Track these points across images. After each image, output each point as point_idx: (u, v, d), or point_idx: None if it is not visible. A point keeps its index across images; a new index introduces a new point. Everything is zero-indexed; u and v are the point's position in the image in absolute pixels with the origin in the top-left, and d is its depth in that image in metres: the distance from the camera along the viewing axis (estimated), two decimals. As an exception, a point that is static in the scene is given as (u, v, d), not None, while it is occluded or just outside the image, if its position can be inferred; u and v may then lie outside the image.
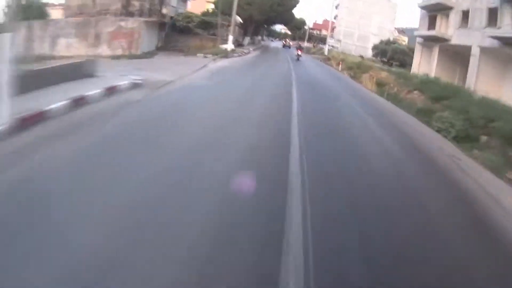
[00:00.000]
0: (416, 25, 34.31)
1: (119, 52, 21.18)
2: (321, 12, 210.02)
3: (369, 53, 58.98)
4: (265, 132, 6.75)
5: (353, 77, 23.34)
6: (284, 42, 63.11)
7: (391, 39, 65.12)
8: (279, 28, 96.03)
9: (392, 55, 50.15)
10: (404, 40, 65.11)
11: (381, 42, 56.86)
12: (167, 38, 26.76)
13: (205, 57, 21.53)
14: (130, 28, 21.85)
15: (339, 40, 67.66)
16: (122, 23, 22.03)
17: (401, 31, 74.53)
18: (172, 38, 26.69)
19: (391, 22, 69.00)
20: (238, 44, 37.20)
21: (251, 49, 37.97)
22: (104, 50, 21.22)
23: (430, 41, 28.68)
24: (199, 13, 33.54)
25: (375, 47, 56.38)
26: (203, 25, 30.66)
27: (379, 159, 6.32)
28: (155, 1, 25.52)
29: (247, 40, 47.11)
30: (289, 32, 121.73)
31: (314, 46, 70.47)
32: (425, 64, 29.17)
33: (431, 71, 26.15)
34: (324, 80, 19.31)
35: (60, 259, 2.58)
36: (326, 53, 50.97)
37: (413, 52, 34.67)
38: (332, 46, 62.77)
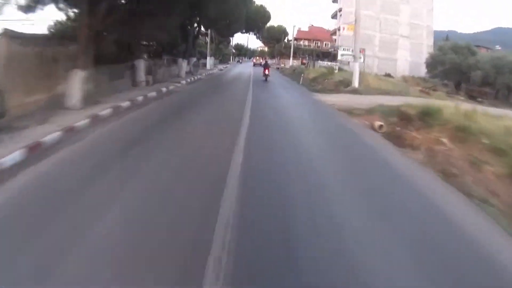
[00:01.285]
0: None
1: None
2: (307, 16, 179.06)
3: (402, 70, 31.90)
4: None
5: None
6: (254, 61, 52.01)
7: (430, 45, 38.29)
8: (256, 45, 69.42)
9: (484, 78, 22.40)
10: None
11: (441, 49, 29.27)
12: None
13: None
14: None
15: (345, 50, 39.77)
16: None
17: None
18: None
19: (428, 14, 42.04)
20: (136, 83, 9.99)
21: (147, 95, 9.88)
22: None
23: None
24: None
25: (432, 60, 28.74)
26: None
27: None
28: None
29: (183, 68, 18.96)
30: (265, 49, 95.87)
31: (305, 65, 42.81)
32: None
33: None
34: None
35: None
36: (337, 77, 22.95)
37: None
38: (339, 62, 35.53)
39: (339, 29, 40.39)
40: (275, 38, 60.53)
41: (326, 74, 23.85)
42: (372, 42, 39.82)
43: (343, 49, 35.52)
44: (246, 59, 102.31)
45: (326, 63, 37.58)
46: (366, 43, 39.24)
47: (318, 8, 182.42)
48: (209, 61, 31.88)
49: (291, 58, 47.58)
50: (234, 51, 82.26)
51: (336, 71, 25.07)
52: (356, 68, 17.82)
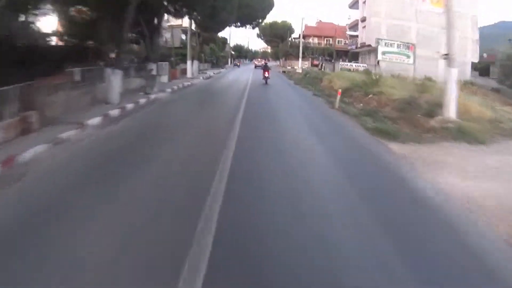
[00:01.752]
0: None
1: None
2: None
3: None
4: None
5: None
6: (256, 63, 45.14)
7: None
8: (259, 46, 60.94)
9: None
10: None
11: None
12: None
13: None
14: None
15: (388, 47, 31.12)
16: None
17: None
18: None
19: (472, 1, 32.85)
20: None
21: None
22: None
23: None
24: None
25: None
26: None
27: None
28: None
29: (113, 86, 10.20)
30: (268, 49, 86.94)
31: (319, 67, 33.92)
32: None
33: None
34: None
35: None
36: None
37: None
38: (380, 62, 26.77)
39: (363, 20, 31.31)
40: (279, 36, 51.57)
41: (367, 84, 14.78)
42: (407, 36, 30.61)
43: (386, 44, 26.62)
44: (247, 61, 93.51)
45: (349, 64, 28.49)
46: (399, 36, 30.15)
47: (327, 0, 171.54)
48: (191, 66, 22.99)
49: (300, 59, 38.56)
50: (233, 52, 73.52)
51: (375, 78, 15.97)
52: (451, 79, 8.76)
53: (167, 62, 19.41)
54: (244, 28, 28.44)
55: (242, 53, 76.21)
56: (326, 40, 50.34)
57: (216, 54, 42.33)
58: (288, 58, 48.56)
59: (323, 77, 22.60)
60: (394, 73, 27.44)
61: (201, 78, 23.00)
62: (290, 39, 52.58)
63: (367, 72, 19.75)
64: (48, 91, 7.42)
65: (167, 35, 23.71)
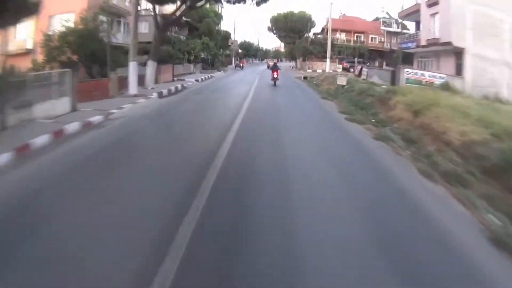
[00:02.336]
0: None
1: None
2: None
3: None
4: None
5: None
6: (270, 63, 35.93)
7: None
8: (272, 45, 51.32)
9: None
10: None
11: None
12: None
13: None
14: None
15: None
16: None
17: None
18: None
19: None
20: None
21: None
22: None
23: None
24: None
25: None
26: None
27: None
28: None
29: None
30: (281, 48, 75.94)
31: (357, 72, 23.06)
32: None
33: None
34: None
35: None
36: None
37: None
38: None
39: (432, 4, 20.04)
40: (296, 31, 40.54)
41: None
42: (497, 32, 19.30)
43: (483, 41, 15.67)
44: (258, 61, 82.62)
45: (421, 73, 17.47)
46: (489, 33, 18.93)
47: None
48: (135, 73, 12.26)
49: (328, 61, 27.57)
50: (240, 50, 62.82)
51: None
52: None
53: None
54: (242, 3, 17.56)
55: (250, 52, 65.48)
56: (357, 37, 39.21)
57: (213, 52, 31.73)
58: (309, 58, 37.62)
59: (386, 97, 11.69)
60: (486, 90, 16.61)
61: (154, 95, 12.30)
62: (310, 34, 41.56)
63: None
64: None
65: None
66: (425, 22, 21.73)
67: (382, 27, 42.57)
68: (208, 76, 23.16)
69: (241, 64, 37.27)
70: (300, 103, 12.10)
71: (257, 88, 16.40)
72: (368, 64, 31.77)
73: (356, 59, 32.35)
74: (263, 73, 30.29)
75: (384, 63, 37.42)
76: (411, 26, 33.78)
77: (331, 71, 27.30)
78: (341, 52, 36.07)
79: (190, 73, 23.86)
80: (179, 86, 15.11)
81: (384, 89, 13.02)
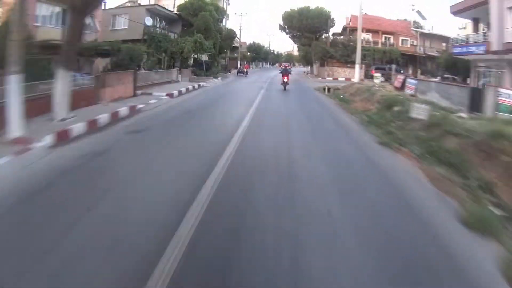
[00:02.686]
0: None
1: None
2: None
3: None
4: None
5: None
6: (282, 67, 23.67)
7: None
8: (284, 49, 47.46)
9: None
10: None
11: None
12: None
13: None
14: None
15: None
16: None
17: None
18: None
19: None
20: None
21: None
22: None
23: None
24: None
25: None
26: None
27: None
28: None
29: None
30: (294, 50, 69.50)
31: (398, 84, 16.59)
32: None
33: None
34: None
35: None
36: None
37: None
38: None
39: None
40: (312, 30, 34.19)
41: None
42: None
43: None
44: (268, 65, 76.42)
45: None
46: None
47: None
48: (14, 95, 6.33)
49: (357, 67, 21.19)
50: (249, 53, 56.84)
51: None
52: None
53: None
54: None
55: (260, 55, 59.39)
56: (385, 38, 32.66)
57: (210, 53, 25.79)
58: (328, 63, 31.21)
59: (496, 147, 5.41)
60: None
61: (44, 142, 6.29)
62: (329, 34, 35.12)
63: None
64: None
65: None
66: (497, 20, 15.23)
67: (413, 28, 36.03)
68: (194, 87, 17.12)
69: (245, 70, 30.83)
70: (340, 157, 5.87)
71: (259, 111, 10.25)
72: (402, 71, 25.31)
73: (393, 66, 25.88)
74: (273, 81, 24.23)
75: (419, 71, 30.82)
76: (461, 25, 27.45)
77: (358, 79, 20.94)
78: (366, 56, 29.61)
79: (170, 82, 17.86)
80: (123, 109, 9.07)
81: (475, 125, 6.73)
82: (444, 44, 33.62)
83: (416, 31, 33.73)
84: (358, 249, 2.83)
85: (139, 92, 12.90)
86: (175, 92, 13.74)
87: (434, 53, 32.49)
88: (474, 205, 4.05)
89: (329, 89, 17.50)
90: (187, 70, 22.14)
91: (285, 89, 17.67)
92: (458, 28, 36.89)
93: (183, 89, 15.01)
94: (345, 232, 3.11)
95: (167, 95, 12.95)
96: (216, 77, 24.33)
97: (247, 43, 58.57)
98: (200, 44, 23.05)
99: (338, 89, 17.79)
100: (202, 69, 24.88)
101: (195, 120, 8.81)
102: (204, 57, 28.70)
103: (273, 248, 2.79)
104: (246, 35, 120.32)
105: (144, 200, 3.69)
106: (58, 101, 7.63)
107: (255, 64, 61.26)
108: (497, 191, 4.78)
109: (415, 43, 33.61)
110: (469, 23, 23.58)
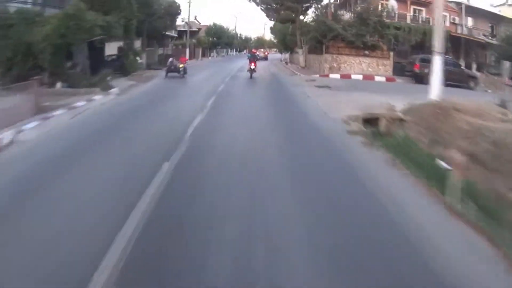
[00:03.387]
0: None
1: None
2: None
3: None
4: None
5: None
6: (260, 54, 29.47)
7: None
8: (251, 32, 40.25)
9: None
10: None
11: None
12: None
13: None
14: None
15: None
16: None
17: None
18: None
19: None
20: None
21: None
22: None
23: None
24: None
25: None
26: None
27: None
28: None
29: None
30: (265, 35, 55.74)
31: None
32: None
33: None
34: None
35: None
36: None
37: None
38: None
39: None
40: (291, 7, 21.29)
41: None
42: None
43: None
44: (234, 52, 62.66)
45: None
46: None
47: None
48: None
49: (436, 62, 9.79)
50: (208, 38, 42.73)
51: None
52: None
53: None
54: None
55: (223, 39, 45.71)
56: (415, 12, 20.72)
57: (109, 32, 12.49)
58: (331, 48, 18.14)
59: None
60: None
61: None
62: (318, 7, 22.34)
63: None
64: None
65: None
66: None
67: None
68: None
69: (181, 65, 16.01)
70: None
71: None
72: (460, 65, 13.67)
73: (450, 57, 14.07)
74: (236, 83, 12.54)
75: (475, 65, 19.45)
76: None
77: (437, 95, 8.77)
78: (392, 40, 17.50)
79: None
80: None
81: None
82: (490, 25, 22.90)
83: (461, 4, 22.08)
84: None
85: None
86: None
87: (481, 37, 21.34)
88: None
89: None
90: (39, 80, 8.58)
91: (251, 77, 16.59)
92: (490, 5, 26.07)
93: None
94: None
95: None
96: (111, 86, 11.14)
97: (202, 24, 45.05)
98: (78, 20, 10.00)
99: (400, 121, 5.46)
100: (86, 72, 11.61)
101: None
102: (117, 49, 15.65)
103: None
104: (205, 17, 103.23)
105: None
106: None
107: (216, 51, 47.71)
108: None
109: (456, 21, 21.95)
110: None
